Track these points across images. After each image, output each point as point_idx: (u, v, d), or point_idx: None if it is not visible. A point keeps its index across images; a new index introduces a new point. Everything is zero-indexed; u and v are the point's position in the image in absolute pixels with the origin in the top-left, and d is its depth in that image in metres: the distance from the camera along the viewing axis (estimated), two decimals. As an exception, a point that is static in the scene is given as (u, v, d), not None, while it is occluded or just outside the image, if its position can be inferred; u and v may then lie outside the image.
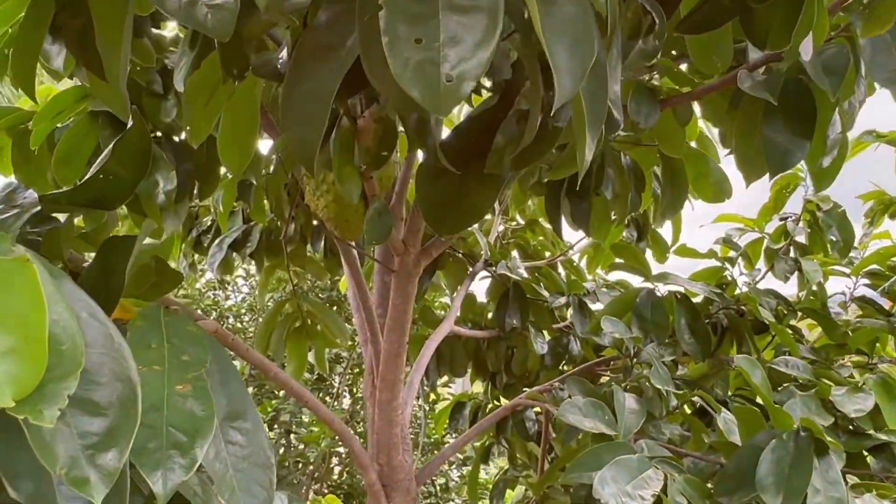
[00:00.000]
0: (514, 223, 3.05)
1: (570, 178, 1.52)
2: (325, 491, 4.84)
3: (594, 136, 0.68)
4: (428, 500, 4.96)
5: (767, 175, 1.37)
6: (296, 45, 0.80)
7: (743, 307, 2.13)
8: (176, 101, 1.66)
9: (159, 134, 1.71)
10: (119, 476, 0.56)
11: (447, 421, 3.01)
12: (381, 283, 2.10)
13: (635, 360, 1.95)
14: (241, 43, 0.94)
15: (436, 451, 4.85)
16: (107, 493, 0.52)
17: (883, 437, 1.77)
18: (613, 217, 1.70)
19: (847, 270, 2.34)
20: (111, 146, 0.94)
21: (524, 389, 2.38)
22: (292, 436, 4.97)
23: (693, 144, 1.88)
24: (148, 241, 1.96)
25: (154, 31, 1.68)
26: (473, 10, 0.58)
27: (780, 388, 1.87)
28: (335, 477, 5.14)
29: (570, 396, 1.68)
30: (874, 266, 2.31)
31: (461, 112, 2.48)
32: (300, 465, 4.96)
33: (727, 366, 2.17)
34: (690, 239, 2.63)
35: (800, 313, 2.24)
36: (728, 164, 1.95)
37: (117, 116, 1.64)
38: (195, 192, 1.78)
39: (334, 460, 5.08)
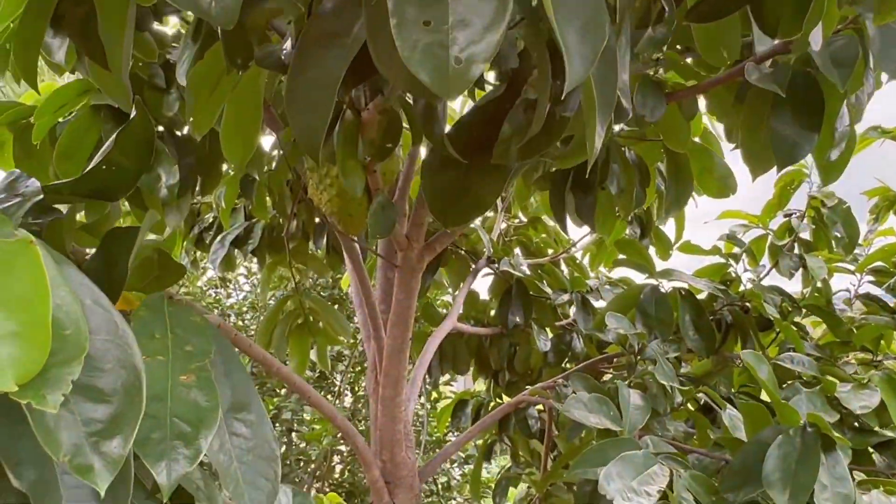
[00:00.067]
0: (517, 220, 3.04)
1: (574, 173, 1.51)
2: (327, 489, 4.83)
3: (604, 122, 0.67)
4: (430, 499, 4.95)
5: (772, 171, 1.37)
6: (301, 33, 0.79)
7: (747, 304, 2.12)
8: (178, 95, 1.65)
9: (161, 128, 1.70)
10: (123, 465, 0.55)
11: (449, 419, 3.01)
12: (384, 278, 2.09)
13: (639, 356, 1.94)
14: (244, 32, 0.93)
15: (437, 450, 4.84)
16: (111, 480, 0.51)
17: (888, 433, 1.76)
18: (618, 213, 1.69)
19: (851, 267, 2.34)
20: (114, 136, 0.93)
21: (526, 387, 2.37)
22: (294, 434, 4.96)
23: (697, 140, 1.87)
24: (150, 236, 1.96)
25: (156, 28, 1.67)
26: (483, -8, 0.57)
27: (784, 385, 1.86)
28: (336, 475, 5.13)
29: (574, 393, 1.67)
30: (879, 263, 2.30)
31: (464, 107, 2.47)
32: (302, 464, 4.95)
33: (731, 363, 2.16)
34: (693, 237, 2.61)
35: (804, 310, 2.23)
36: (732, 159, 1.94)
37: (119, 110, 1.64)
38: (198, 187, 1.78)
39: (336, 458, 5.07)
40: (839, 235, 2.21)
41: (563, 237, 3.00)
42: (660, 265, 2.47)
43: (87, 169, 0.94)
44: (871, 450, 1.81)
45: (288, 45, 1.02)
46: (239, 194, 2.29)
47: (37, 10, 0.98)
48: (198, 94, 1.15)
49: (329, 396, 5.15)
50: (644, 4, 0.89)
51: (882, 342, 2.20)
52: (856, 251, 2.32)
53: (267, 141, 2.11)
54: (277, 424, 4.79)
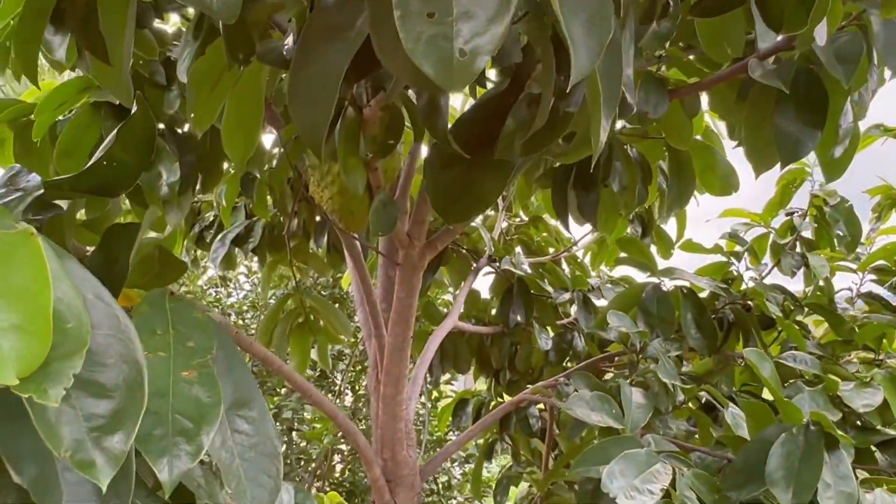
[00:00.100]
0: (518, 219, 3.03)
1: (577, 170, 1.50)
2: (328, 488, 4.82)
3: (609, 115, 0.67)
4: (430, 498, 4.95)
5: (774, 169, 1.36)
6: (303, 28, 0.79)
7: (749, 302, 2.11)
8: (179, 93, 1.65)
9: (162, 126, 1.69)
10: (125, 461, 0.54)
11: (450, 418, 3.00)
12: (386, 277, 2.08)
13: (641, 355, 1.93)
14: (246, 27, 0.93)
15: (438, 449, 4.84)
16: (113, 476, 0.50)
17: (891, 432, 1.75)
18: (621, 211, 1.68)
19: (854, 266, 2.33)
20: (115, 132, 0.92)
21: (527, 386, 2.36)
22: (294, 433, 4.96)
23: (699, 138, 1.87)
24: (151, 234, 1.95)
25: (156, 26, 1.67)
26: (487, -16, 0.57)
27: (786, 384, 1.86)
28: (337, 474, 5.13)
29: (575, 391, 1.67)
30: (881, 262, 2.30)
31: (465, 105, 2.47)
32: (302, 463, 4.95)
33: (732, 362, 2.15)
34: (695, 236, 2.61)
35: (806, 309, 2.22)
36: (733, 157, 1.94)
37: (120, 108, 1.64)
38: (198, 185, 1.77)
39: (336, 458, 5.06)
40: (841, 234, 2.21)
41: (563, 236, 3.00)
42: (661, 264, 2.47)
43: (88, 165, 0.93)
44: (873, 448, 1.80)
45: (290, 40, 1.02)
46: (240, 192, 2.29)
47: (38, 5, 0.98)
48: (199, 90, 1.15)
49: (330, 395, 5.15)
50: (648, -1, 0.88)
51: (884, 341, 2.19)
52: (858, 250, 2.31)
53: (268, 139, 2.11)
54: (278, 423, 4.78)
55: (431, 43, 0.55)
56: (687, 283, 2.08)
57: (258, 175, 2.13)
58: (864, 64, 1.13)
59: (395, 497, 1.85)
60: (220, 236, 2.59)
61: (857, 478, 1.38)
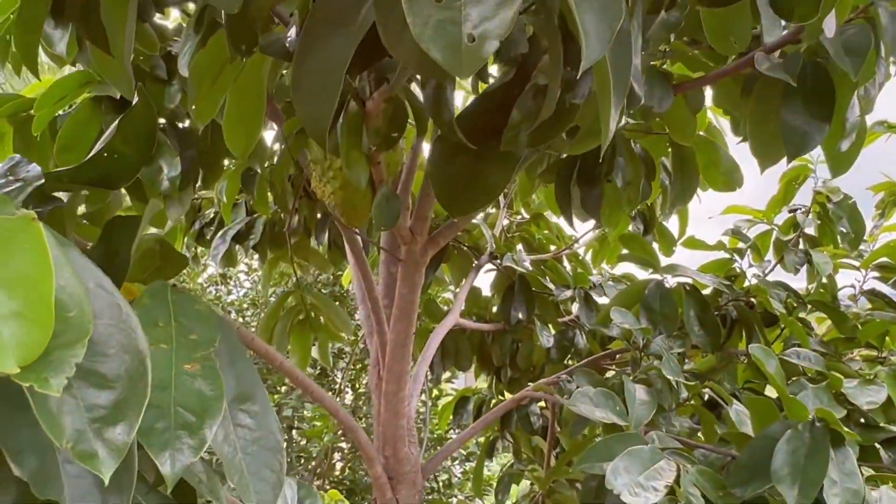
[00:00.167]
0: (519, 217, 3.03)
1: (580, 166, 1.49)
2: (328, 486, 4.82)
3: (618, 105, 0.66)
4: (431, 496, 4.94)
5: (776, 166, 1.35)
6: (306, 18, 0.78)
7: (752, 299, 2.10)
8: (180, 87, 1.64)
9: (163, 121, 1.69)
10: (127, 453, 0.53)
11: (451, 416, 3.00)
12: (387, 273, 2.07)
13: (644, 351, 1.92)
14: (249, 18, 0.92)
15: (438, 447, 4.83)
16: (115, 468, 0.49)
17: (895, 429, 1.75)
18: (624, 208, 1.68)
19: (856, 263, 2.32)
20: (116, 124, 0.91)
21: (528, 384, 2.35)
22: (294, 431, 4.95)
23: (702, 134, 1.86)
24: (151, 230, 1.94)
25: (157, 21, 1.66)
26: (496, -32, 0.56)
27: (789, 382, 1.85)
28: (337, 473, 5.12)
29: (578, 388, 1.66)
30: (884, 259, 2.29)
31: (466, 102, 2.46)
32: (302, 461, 4.94)
33: (735, 359, 2.15)
34: (696, 234, 2.60)
35: (809, 306, 2.21)
36: (736, 154, 1.93)
37: (121, 102, 1.63)
38: (199, 180, 1.76)
39: (336, 456, 5.06)
40: (845, 230, 2.20)
41: (565, 233, 2.99)
42: (663, 261, 2.46)
43: (88, 157, 0.92)
44: (877, 446, 1.79)
45: (292, 32, 1.01)
46: (240, 189, 2.28)
47: (37, -4, 0.97)
48: (200, 83, 1.14)
49: (330, 393, 5.14)
50: (656, -10, 0.87)
51: (887, 338, 2.18)
52: (861, 247, 2.31)
53: (269, 136, 2.10)
54: (278, 421, 4.77)
55: (439, 27, 0.54)
56: (690, 280, 2.07)
57: (259, 171, 2.12)
58: (871, 57, 1.12)
59: (396, 494, 1.84)
60: (220, 233, 2.58)
61: (862, 475, 1.37)
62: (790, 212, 2.33)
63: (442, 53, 0.54)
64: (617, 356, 2.34)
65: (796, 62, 1.16)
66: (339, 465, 5.16)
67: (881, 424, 1.77)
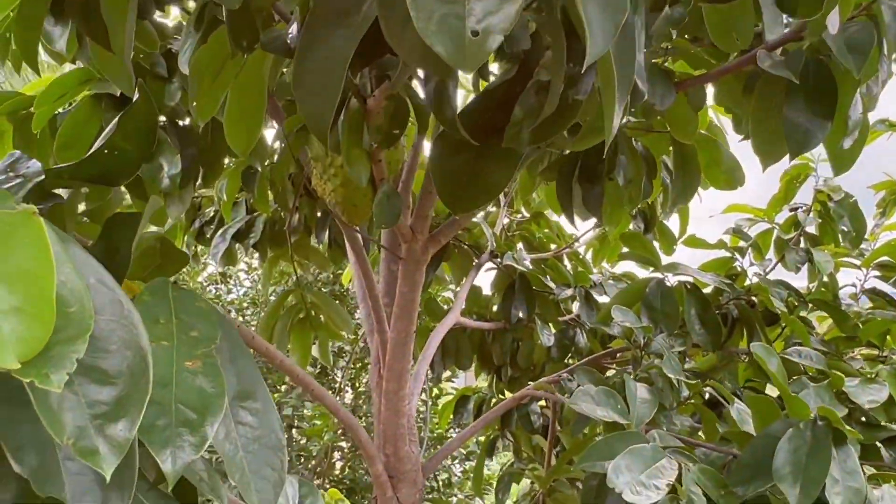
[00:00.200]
0: (519, 215, 3.02)
1: (582, 163, 1.49)
2: (327, 485, 4.81)
3: (623, 100, 0.65)
4: (431, 495, 4.94)
5: (777, 164, 1.35)
6: (308, 13, 0.77)
7: (753, 298, 2.10)
8: (180, 85, 1.63)
9: (163, 119, 1.68)
10: (128, 450, 0.53)
11: (451, 415, 2.99)
12: (388, 271, 2.07)
13: (645, 350, 1.92)
14: (250, 14, 0.92)
15: (438, 446, 4.83)
16: (117, 464, 0.49)
17: (896, 428, 1.74)
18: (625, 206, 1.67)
19: (857, 262, 2.32)
20: (116, 120, 0.91)
21: (529, 383, 2.35)
22: (294, 430, 4.95)
23: (703, 132, 1.85)
24: (152, 229, 1.94)
25: (157, 19, 1.65)
26: (499, -37, 0.55)
27: (791, 380, 1.84)
28: (337, 472, 5.12)
29: (579, 386, 1.66)
30: (885, 258, 2.28)
31: (466, 99, 2.45)
32: (302, 459, 4.94)
33: (736, 358, 2.14)
34: (697, 233, 2.60)
35: (810, 305, 2.21)
36: (737, 153, 1.93)
37: (121, 100, 1.62)
38: (199, 178, 1.76)
39: (336, 455, 5.05)
40: (846, 229, 2.19)
41: (565, 232, 2.99)
42: (664, 260, 2.46)
43: (89, 153, 0.92)
44: (878, 445, 1.79)
45: (293, 28, 1.01)
46: (240, 187, 2.27)
47: (37, -8, 0.96)
48: (201, 79, 1.13)
49: (329, 393, 5.13)
50: (659, -15, 0.87)
51: (888, 337, 2.18)
52: (861, 246, 2.30)
53: (269, 134, 2.10)
54: (278, 421, 4.76)
55: (443, 22, 0.53)
56: (691, 279, 2.06)
57: (259, 169, 2.11)
58: (874, 54, 1.12)
59: (397, 493, 1.84)
60: (220, 231, 2.58)
61: (864, 473, 1.36)
62: (791, 210, 2.33)
63: (445, 48, 0.53)
64: (617, 355, 2.34)
65: (799, 59, 1.16)
66: (338, 464, 5.16)
67: (882, 423, 1.77)
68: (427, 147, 1.85)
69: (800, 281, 2.28)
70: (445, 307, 2.62)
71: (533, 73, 0.87)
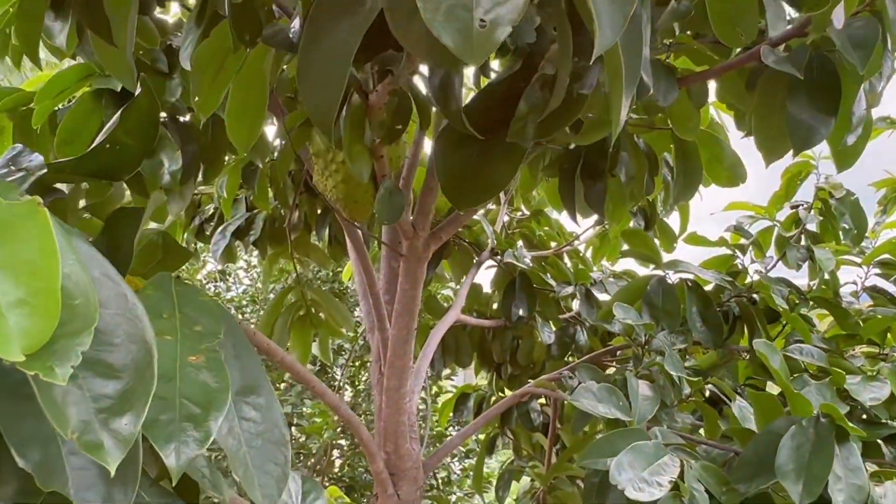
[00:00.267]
0: (519, 213, 3.02)
1: (584, 160, 1.49)
2: (327, 483, 4.81)
3: (629, 93, 0.65)
4: (430, 493, 4.94)
5: (778, 163, 1.34)
6: (312, 5, 0.77)
7: (755, 295, 2.10)
8: (181, 81, 1.62)
9: (164, 115, 1.67)
10: (132, 445, 0.53)
11: (451, 413, 2.99)
12: (389, 268, 2.07)
13: (646, 347, 1.92)
14: (253, 6, 0.91)
15: (438, 444, 4.83)
16: (122, 459, 0.48)
17: (899, 425, 1.74)
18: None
19: (858, 260, 2.31)
20: (118, 115, 0.90)
21: (529, 381, 2.35)
22: (294, 428, 4.94)
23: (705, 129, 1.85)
24: (152, 226, 1.93)
25: (157, 16, 1.65)
26: (507, -47, 0.55)
27: (792, 378, 1.84)
28: (336, 470, 5.12)
29: (580, 383, 1.65)
30: (886, 255, 2.28)
31: (467, 97, 2.45)
32: (301, 457, 4.93)
33: (737, 355, 2.14)
34: (697, 231, 2.60)
35: (811, 303, 2.21)
36: (738, 150, 1.92)
37: (122, 95, 1.61)
38: (200, 175, 1.75)
39: (335, 453, 5.05)
40: (847, 227, 2.19)
41: (565, 230, 2.99)
42: (665, 257, 2.45)
43: (91, 148, 0.91)
44: (879, 442, 1.79)
45: (296, 23, 1.00)
46: (241, 184, 2.27)
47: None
48: (202, 75, 1.13)
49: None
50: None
51: (889, 335, 2.18)
52: (863, 244, 2.30)
53: (269, 131, 2.09)
54: (277, 418, 4.76)
55: (450, 13, 0.53)
56: (692, 276, 2.06)
57: (260, 166, 2.11)
58: (878, 50, 1.12)
59: (398, 490, 1.83)
60: (220, 229, 2.57)
61: (866, 471, 1.36)
62: (792, 208, 2.33)
63: (453, 39, 0.53)
64: (618, 353, 2.34)
65: (803, 55, 1.16)
66: (338, 462, 5.16)
67: (884, 421, 1.76)
68: (428, 144, 1.85)
69: (801, 278, 2.28)
70: (445, 305, 2.61)
71: (538, 68, 0.87)
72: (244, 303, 5.57)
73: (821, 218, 2.25)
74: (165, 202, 1.67)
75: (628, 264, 2.89)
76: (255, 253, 2.69)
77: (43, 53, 1.52)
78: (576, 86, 0.83)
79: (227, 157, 1.94)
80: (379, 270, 2.12)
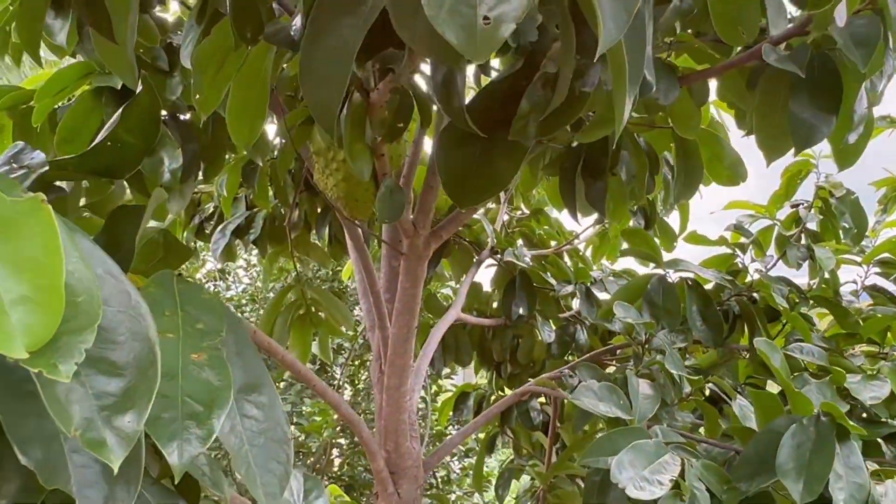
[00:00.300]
0: (519, 212, 3.02)
1: (585, 158, 1.49)
2: (326, 482, 4.81)
3: (633, 90, 0.65)
4: (430, 492, 4.94)
5: (778, 162, 1.34)
6: (315, 2, 0.77)
7: (755, 294, 2.10)
8: (182, 79, 1.62)
9: (165, 113, 1.67)
10: (135, 443, 0.52)
11: (451, 412, 2.99)
12: (389, 267, 2.06)
13: (646, 346, 1.92)
14: (254, 5, 0.91)
15: (438, 443, 4.83)
16: (125, 456, 0.48)
17: (899, 424, 1.74)
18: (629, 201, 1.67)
19: (858, 259, 2.31)
20: (119, 112, 0.90)
21: (529, 379, 2.35)
22: (293, 427, 4.94)
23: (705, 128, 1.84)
24: (152, 224, 1.93)
25: (157, 14, 1.65)
26: (511, -50, 0.55)
27: (792, 377, 1.84)
28: (336, 468, 5.12)
29: (580, 382, 1.65)
30: (886, 254, 2.28)
31: (467, 96, 2.44)
32: (301, 456, 4.93)
33: (737, 354, 2.14)
34: (697, 230, 2.60)
35: (811, 301, 2.21)
36: (739, 147, 1.92)
37: (122, 93, 1.61)
38: (200, 173, 1.75)
39: (335, 451, 5.05)
40: (847, 226, 2.19)
41: (565, 229, 2.99)
42: (665, 256, 2.45)
43: (92, 146, 0.91)
44: (879, 441, 1.79)
45: (297, 21, 1.00)
46: (241, 183, 2.26)
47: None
48: (203, 72, 1.13)
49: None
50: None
51: (889, 334, 2.18)
52: (863, 243, 2.30)
53: (270, 129, 2.09)
54: (276, 418, 4.76)
55: (454, 10, 0.53)
56: (692, 275, 2.06)
57: (260, 164, 2.10)
58: (880, 48, 1.12)
59: (398, 489, 1.83)
60: (220, 227, 2.57)
61: (867, 469, 1.36)
62: (792, 207, 2.32)
63: (456, 35, 0.53)
64: (618, 351, 2.34)
65: (804, 54, 1.16)
66: (337, 461, 5.16)
67: (884, 419, 1.76)
68: (428, 142, 1.85)
69: (801, 277, 2.28)
70: (446, 304, 2.61)
71: (539, 66, 0.87)
72: (244, 301, 5.57)
73: (821, 217, 2.25)
74: (165, 200, 1.67)
75: (628, 263, 2.90)
76: (255, 251, 2.68)
77: (42, 51, 1.52)
78: (578, 84, 0.83)
79: (227, 156, 1.95)
80: (379, 269, 2.12)
